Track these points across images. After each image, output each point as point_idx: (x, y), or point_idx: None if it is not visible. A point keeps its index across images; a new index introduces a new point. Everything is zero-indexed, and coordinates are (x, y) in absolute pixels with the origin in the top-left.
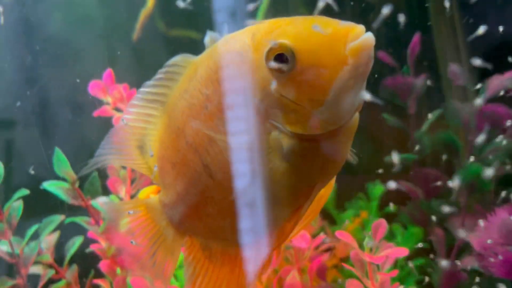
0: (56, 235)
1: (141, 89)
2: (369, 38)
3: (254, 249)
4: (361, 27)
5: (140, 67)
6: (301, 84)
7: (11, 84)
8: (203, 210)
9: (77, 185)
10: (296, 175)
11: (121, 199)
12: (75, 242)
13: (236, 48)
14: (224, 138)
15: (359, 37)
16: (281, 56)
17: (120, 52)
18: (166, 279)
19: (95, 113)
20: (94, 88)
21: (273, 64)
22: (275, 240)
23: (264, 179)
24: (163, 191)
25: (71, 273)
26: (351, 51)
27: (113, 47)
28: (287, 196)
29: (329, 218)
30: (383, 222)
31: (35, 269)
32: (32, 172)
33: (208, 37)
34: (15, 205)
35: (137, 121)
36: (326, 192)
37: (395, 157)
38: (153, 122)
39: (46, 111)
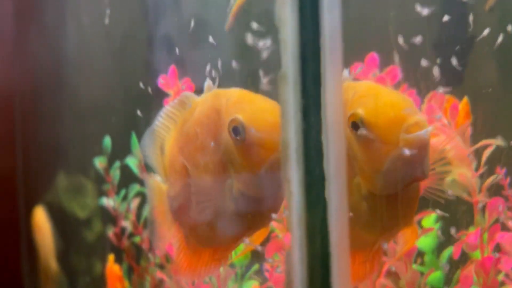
0: (138, 200)
1: (166, 106)
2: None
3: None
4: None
5: None
6: (245, 155)
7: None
8: (186, 212)
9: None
10: (236, 216)
11: None
12: (147, 208)
13: (216, 106)
14: (199, 170)
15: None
16: (237, 128)
17: None
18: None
19: (164, 102)
20: (162, 81)
21: (231, 133)
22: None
23: (218, 210)
24: (168, 185)
25: (145, 232)
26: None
27: None
28: (230, 225)
29: None
30: None
31: (125, 224)
32: None
33: (206, 83)
34: (116, 173)
35: (161, 128)
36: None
37: None
38: (168, 133)
39: None
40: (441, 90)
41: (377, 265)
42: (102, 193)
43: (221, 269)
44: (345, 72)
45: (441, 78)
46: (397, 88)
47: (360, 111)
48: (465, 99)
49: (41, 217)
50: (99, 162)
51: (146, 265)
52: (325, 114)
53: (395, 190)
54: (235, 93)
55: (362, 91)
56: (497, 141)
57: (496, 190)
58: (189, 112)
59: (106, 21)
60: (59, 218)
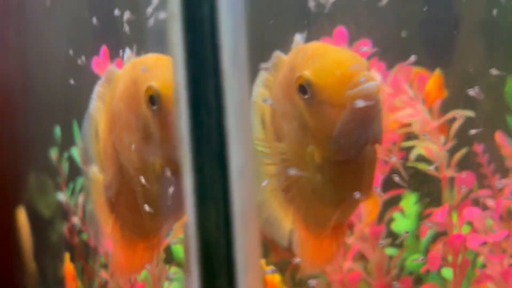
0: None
1: (96, 87)
2: None
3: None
4: None
5: None
6: (163, 127)
7: None
8: (119, 200)
9: None
10: (160, 198)
11: None
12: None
13: (133, 76)
14: (126, 151)
15: None
16: (153, 97)
17: None
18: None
19: None
20: (95, 65)
21: (147, 103)
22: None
23: (145, 192)
24: (103, 173)
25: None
26: None
27: None
28: (156, 208)
29: None
30: None
31: (75, 220)
32: None
33: (126, 53)
34: (65, 164)
35: (94, 111)
36: None
37: None
38: (100, 114)
39: None
40: (408, 63)
41: (341, 243)
42: (57, 187)
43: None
44: (298, 37)
45: (412, 51)
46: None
47: (306, 73)
48: (437, 72)
49: (21, 218)
50: (53, 154)
51: (93, 264)
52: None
53: (349, 155)
54: (150, 59)
55: (310, 52)
56: (466, 113)
57: (468, 166)
58: (113, 87)
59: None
60: (32, 218)
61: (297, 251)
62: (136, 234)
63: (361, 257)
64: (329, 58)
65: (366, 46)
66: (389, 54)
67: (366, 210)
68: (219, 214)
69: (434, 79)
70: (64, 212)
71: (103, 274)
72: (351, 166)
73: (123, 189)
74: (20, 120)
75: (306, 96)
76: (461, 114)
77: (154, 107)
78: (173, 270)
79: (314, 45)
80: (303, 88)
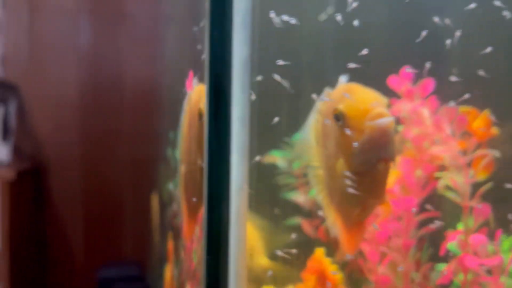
0: None
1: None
2: None
3: None
4: None
5: None
6: (201, 134)
7: None
8: (187, 186)
9: None
10: None
11: None
12: None
13: (194, 98)
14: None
15: None
16: (200, 113)
17: None
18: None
19: None
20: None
21: (199, 116)
22: None
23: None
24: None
25: None
26: None
27: None
28: None
29: None
30: None
31: (175, 206)
32: None
33: (194, 81)
34: (173, 161)
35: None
36: None
37: None
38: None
39: None
40: (453, 103)
41: (362, 237)
42: (169, 178)
43: None
44: (342, 78)
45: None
46: (426, 99)
47: (340, 106)
48: (485, 111)
49: (154, 201)
50: (168, 152)
51: (179, 243)
52: None
53: (367, 168)
54: (200, 88)
55: (345, 90)
56: (492, 152)
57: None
58: (188, 105)
59: None
60: (159, 201)
61: (338, 240)
62: (191, 211)
63: (394, 264)
64: (357, 96)
65: (430, 86)
66: (446, 93)
67: (380, 212)
68: (225, 212)
69: (481, 118)
70: (171, 199)
71: (182, 254)
72: (368, 177)
73: (187, 177)
74: (156, 119)
75: (339, 123)
76: (485, 154)
77: (200, 121)
78: None
79: (350, 85)
80: (337, 117)
